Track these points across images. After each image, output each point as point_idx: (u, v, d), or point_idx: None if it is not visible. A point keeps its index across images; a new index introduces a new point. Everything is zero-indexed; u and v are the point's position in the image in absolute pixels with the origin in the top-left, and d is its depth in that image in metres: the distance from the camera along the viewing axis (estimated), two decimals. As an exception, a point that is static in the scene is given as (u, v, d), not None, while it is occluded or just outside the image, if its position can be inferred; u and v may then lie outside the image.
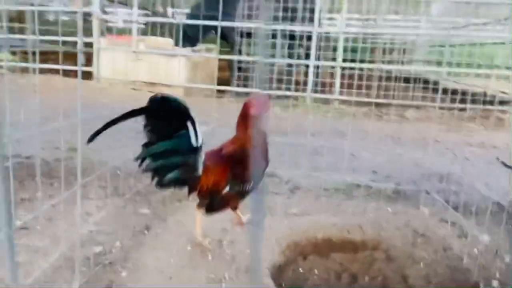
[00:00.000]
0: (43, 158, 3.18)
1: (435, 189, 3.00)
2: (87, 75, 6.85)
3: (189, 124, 1.85)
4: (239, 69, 6.51)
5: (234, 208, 2.12)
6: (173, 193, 2.73)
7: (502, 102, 6.14)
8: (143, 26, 8.70)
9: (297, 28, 6.06)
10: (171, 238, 2.10)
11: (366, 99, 5.92)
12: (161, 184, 1.90)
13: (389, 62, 8.83)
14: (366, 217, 2.37)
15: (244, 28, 6.33)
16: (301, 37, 6.20)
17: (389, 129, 5.08)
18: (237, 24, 6.27)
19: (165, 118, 1.82)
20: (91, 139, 1.69)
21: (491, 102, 5.97)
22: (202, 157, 1.93)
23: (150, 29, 8.36)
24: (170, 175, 1.86)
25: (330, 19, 8.54)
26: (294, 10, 6.09)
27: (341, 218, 2.34)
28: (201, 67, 6.68)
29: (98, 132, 1.71)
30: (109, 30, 6.68)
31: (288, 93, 6.21)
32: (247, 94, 6.36)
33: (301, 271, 2.12)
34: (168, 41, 6.78)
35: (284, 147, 3.42)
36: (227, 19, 6.35)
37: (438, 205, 2.73)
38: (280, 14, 6.09)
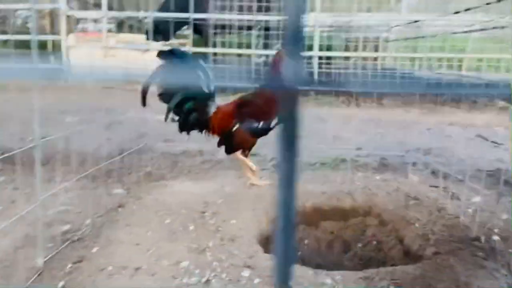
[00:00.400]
0: (8, 147, 2.94)
1: (422, 161, 2.93)
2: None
3: (199, 71, 2.03)
4: (214, 61, 6.36)
5: (247, 149, 2.19)
6: (150, 173, 2.55)
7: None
8: (112, 26, 8.46)
9: (272, 18, 5.97)
10: (148, 214, 1.92)
11: (343, 88, 5.87)
12: (182, 129, 2.12)
13: (364, 58, 8.88)
14: (355, 185, 2.26)
15: (218, 21, 6.19)
16: (277, 28, 6.11)
17: (369, 114, 5.03)
18: (210, 16, 6.12)
19: (176, 69, 2.01)
20: (144, 104, 2.04)
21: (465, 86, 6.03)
22: (216, 101, 2.12)
23: (122, 28, 8.13)
24: (187, 119, 2.08)
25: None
26: (268, 0, 6.01)
27: (330, 186, 2.22)
28: (175, 62, 6.51)
29: (144, 99, 2.03)
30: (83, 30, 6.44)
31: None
32: (224, 88, 6.21)
33: (291, 241, 1.97)
34: (139, 37, 6.58)
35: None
36: (200, 12, 6.21)
37: (426, 173, 2.65)
38: (255, 4, 5.99)
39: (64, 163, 2.61)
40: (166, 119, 2.11)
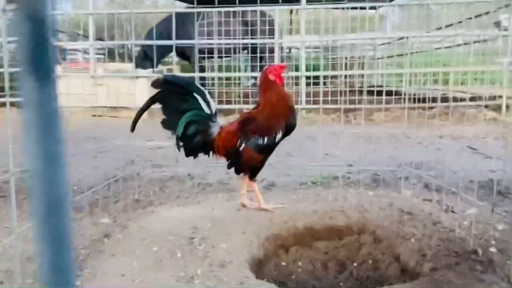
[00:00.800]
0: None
1: (414, 175, 2.90)
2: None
3: (196, 95, 2.02)
4: (203, 85, 6.37)
5: (255, 168, 2.13)
6: (137, 200, 2.48)
7: (462, 99, 6.29)
8: (102, 56, 8.50)
9: (259, 41, 6.04)
10: (134, 243, 1.84)
11: (333, 106, 5.88)
12: (188, 153, 2.10)
13: (351, 76, 8.97)
14: (347, 202, 2.21)
15: (205, 46, 6.24)
16: (262, 50, 6.18)
17: (359, 130, 5.02)
18: (196, 42, 6.17)
19: (173, 95, 2.04)
20: (133, 129, 2.06)
21: (454, 100, 6.10)
22: (218, 122, 2.10)
23: (111, 57, 8.15)
24: (192, 143, 2.06)
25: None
26: (254, 23, 6.09)
27: (322, 205, 2.17)
28: (163, 88, 6.50)
29: (134, 123, 2.05)
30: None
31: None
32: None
33: (284, 264, 1.91)
34: (127, 65, 6.60)
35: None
36: (187, 38, 6.27)
37: (419, 187, 2.62)
38: (239, 28, 6.07)
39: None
40: (178, 148, 2.10)
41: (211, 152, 2.13)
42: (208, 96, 2.07)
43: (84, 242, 1.89)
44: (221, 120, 2.16)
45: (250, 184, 2.16)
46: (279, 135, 2.05)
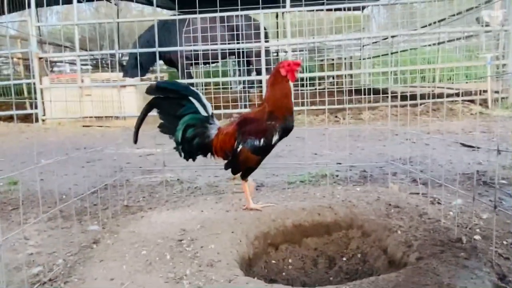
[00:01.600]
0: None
1: (402, 170, 2.93)
2: (33, 118, 6.48)
3: (192, 98, 2.04)
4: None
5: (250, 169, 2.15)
6: (126, 206, 2.48)
7: (449, 95, 6.38)
8: (88, 66, 8.47)
9: (245, 45, 6.07)
10: (123, 248, 1.84)
11: (319, 107, 5.92)
12: (188, 157, 2.12)
13: (338, 76, 9.02)
14: (335, 199, 2.23)
15: (189, 52, 6.26)
16: (249, 55, 6.21)
17: (348, 129, 5.06)
18: (179, 48, 6.18)
19: (169, 100, 2.05)
20: (135, 140, 2.06)
21: (440, 96, 6.17)
22: (216, 123, 2.12)
23: (98, 67, 8.13)
24: (191, 146, 2.08)
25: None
26: (239, 28, 6.12)
27: (310, 202, 2.18)
28: (152, 95, 6.48)
29: (136, 134, 2.06)
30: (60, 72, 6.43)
31: (245, 111, 6.14)
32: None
33: (274, 262, 1.91)
34: (114, 75, 6.58)
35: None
36: (174, 45, 6.29)
37: (407, 181, 2.65)
38: (226, 33, 6.09)
39: (35, 205, 2.52)
40: (180, 153, 2.10)
41: (209, 154, 2.14)
42: (203, 99, 2.08)
43: (73, 249, 1.88)
44: (218, 122, 2.17)
45: (242, 184, 2.17)
46: (275, 137, 2.04)
